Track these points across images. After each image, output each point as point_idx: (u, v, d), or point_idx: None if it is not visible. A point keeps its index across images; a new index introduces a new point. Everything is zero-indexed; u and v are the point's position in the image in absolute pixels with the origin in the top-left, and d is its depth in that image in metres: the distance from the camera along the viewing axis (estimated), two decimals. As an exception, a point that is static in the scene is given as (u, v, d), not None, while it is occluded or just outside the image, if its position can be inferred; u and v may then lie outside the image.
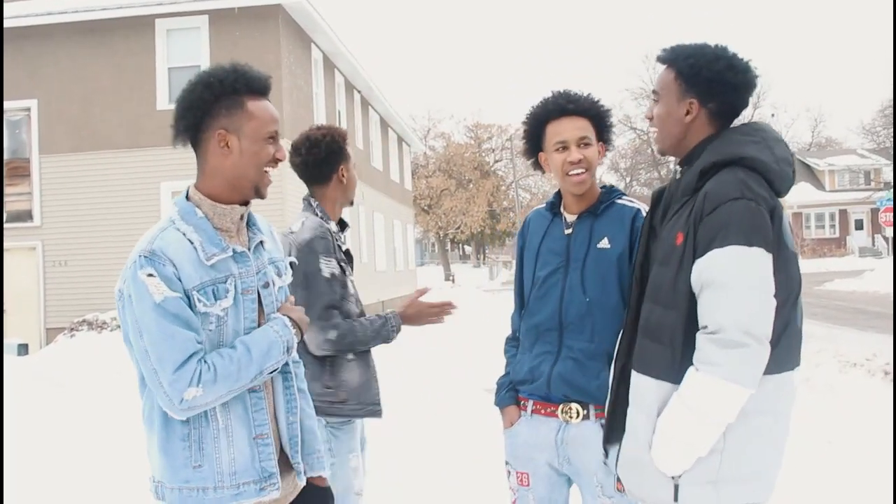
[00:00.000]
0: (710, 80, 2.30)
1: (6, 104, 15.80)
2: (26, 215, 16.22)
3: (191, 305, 2.06)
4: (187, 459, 2.10)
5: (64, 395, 8.56)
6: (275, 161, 2.20)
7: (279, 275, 2.32)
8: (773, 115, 58.94)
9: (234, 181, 2.17)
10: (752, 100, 2.46)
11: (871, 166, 48.86)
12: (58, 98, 15.99)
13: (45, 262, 16.10)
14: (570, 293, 2.78)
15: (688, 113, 2.33)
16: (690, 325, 2.17)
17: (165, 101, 15.86)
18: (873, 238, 46.63)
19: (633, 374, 2.32)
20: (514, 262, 3.14)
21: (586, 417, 2.76)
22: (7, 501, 4.96)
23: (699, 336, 2.13)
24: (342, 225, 3.30)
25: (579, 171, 2.76)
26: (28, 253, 16.09)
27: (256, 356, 2.11)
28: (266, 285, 2.24)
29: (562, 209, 2.91)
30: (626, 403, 2.43)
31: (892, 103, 41.39)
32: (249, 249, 2.23)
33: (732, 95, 2.33)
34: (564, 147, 2.77)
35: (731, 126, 2.37)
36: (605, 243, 2.79)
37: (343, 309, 3.06)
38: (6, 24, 15.47)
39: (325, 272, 3.01)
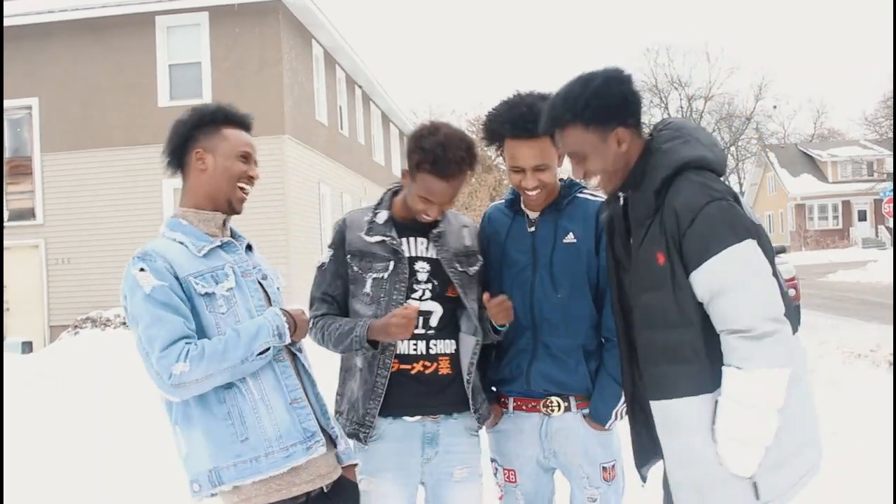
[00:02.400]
0: (620, 104, 2.28)
1: (8, 102, 15.80)
2: (28, 213, 16.24)
3: (186, 291, 2.26)
4: (234, 436, 2.24)
5: (68, 392, 8.56)
6: (248, 178, 2.45)
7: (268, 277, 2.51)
8: (775, 106, 58.95)
9: (210, 194, 2.42)
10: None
11: (873, 157, 48.69)
12: (59, 96, 15.99)
13: (48, 259, 16.13)
14: (540, 291, 2.76)
15: (620, 143, 2.30)
16: (707, 334, 2.20)
17: (166, 99, 15.86)
18: (877, 229, 46.51)
19: (662, 403, 2.25)
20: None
21: (567, 409, 2.77)
22: (9, 501, 4.97)
23: (728, 338, 2.15)
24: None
25: (536, 192, 2.73)
26: (31, 251, 16.11)
27: (245, 338, 2.25)
28: (265, 277, 2.47)
29: (522, 206, 2.86)
30: (644, 425, 2.44)
31: (892, 94, 41.27)
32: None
33: (636, 104, 2.34)
34: (519, 171, 2.72)
35: (654, 135, 2.36)
36: (570, 238, 2.76)
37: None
38: (7, 22, 15.47)
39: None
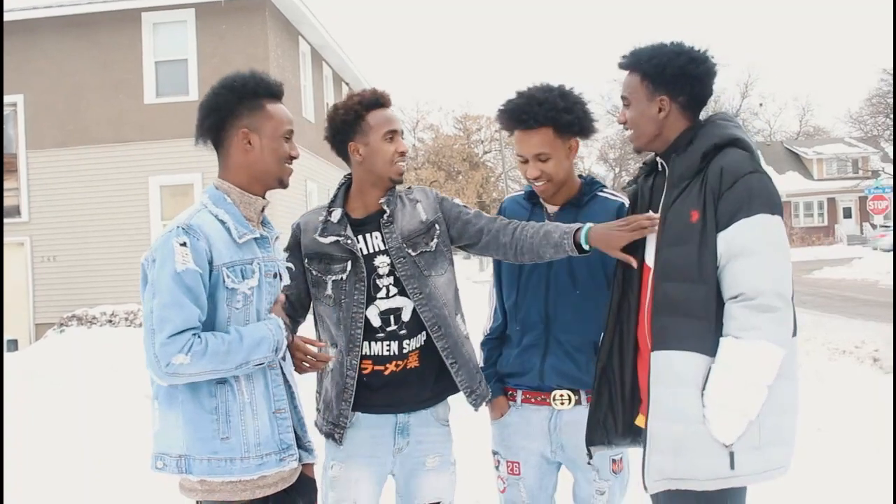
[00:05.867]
0: (676, 76, 2.41)
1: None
2: (14, 211, 16.13)
3: (213, 280, 2.23)
4: (215, 432, 2.23)
5: (54, 390, 8.53)
6: (290, 158, 2.41)
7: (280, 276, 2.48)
8: (760, 104, 59.05)
9: (257, 174, 2.37)
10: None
11: (858, 155, 49.00)
12: (44, 93, 15.88)
13: (33, 257, 16.02)
14: (556, 285, 2.78)
15: (660, 110, 2.43)
16: (719, 298, 2.26)
17: (153, 96, 15.79)
18: (861, 226, 46.80)
19: (663, 353, 2.29)
20: None
21: (578, 402, 2.77)
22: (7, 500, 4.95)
23: (732, 306, 2.21)
24: None
25: (540, 183, 2.78)
26: (16, 248, 16.01)
27: (247, 345, 2.23)
28: (277, 276, 2.44)
29: (541, 200, 2.88)
30: (608, 405, 2.50)
31: (883, 91, 41.49)
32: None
33: (698, 86, 2.44)
34: (524, 161, 2.78)
35: (709, 116, 2.49)
36: None
37: None
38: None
39: None
